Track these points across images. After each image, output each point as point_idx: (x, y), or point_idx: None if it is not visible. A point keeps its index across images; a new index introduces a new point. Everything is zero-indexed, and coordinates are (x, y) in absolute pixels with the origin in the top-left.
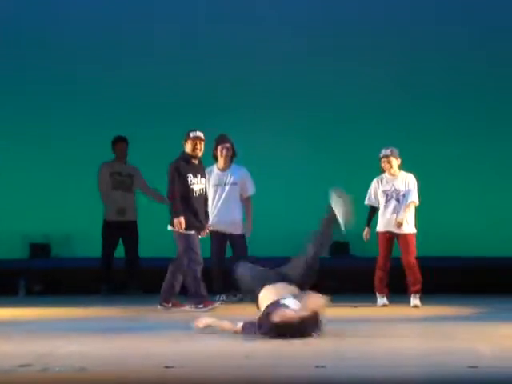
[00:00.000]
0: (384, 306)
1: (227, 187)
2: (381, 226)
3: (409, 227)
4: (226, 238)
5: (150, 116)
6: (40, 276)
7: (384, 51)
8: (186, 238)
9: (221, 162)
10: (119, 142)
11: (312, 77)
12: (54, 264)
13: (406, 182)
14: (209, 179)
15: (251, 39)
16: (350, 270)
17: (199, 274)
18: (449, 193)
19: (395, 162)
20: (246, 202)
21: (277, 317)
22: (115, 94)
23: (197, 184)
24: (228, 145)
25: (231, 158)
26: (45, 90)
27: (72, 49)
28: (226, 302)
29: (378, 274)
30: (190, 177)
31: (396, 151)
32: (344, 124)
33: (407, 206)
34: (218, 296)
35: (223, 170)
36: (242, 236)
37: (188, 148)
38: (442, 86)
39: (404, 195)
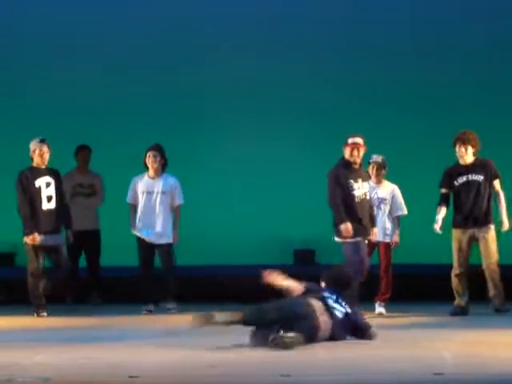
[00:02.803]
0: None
1: (155, 196)
2: None
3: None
4: (153, 247)
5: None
6: (4, 286)
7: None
8: (352, 246)
9: (151, 170)
10: (81, 151)
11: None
12: (18, 274)
13: (392, 192)
14: (139, 186)
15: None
16: (316, 278)
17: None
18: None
19: (383, 171)
20: (174, 211)
21: None
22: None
23: (358, 189)
24: (157, 153)
25: (162, 166)
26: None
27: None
28: (152, 312)
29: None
30: (351, 182)
31: (386, 161)
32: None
33: (398, 218)
34: (144, 305)
35: (153, 178)
36: (170, 245)
37: (346, 154)
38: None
39: (387, 204)
